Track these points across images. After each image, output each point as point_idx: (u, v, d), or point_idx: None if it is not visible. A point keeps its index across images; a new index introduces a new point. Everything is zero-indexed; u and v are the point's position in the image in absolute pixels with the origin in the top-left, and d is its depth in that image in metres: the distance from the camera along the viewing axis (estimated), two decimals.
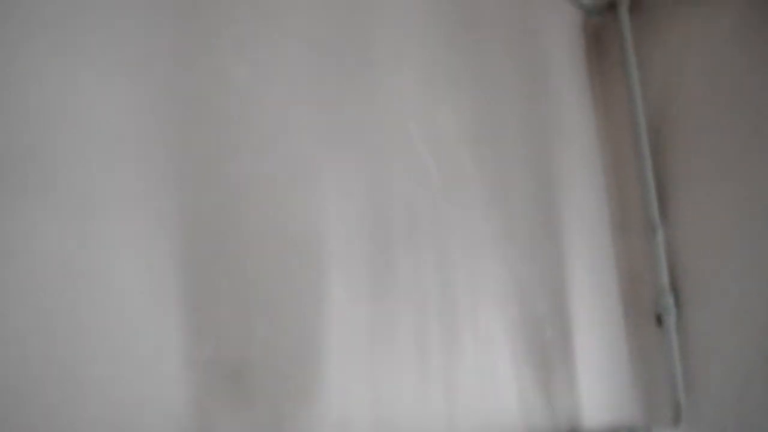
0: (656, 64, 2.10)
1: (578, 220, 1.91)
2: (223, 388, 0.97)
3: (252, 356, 1.02)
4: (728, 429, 1.86)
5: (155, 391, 0.88)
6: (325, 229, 1.15)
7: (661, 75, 2.09)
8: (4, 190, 0.77)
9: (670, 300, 1.96)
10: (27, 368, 0.76)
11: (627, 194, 2.09)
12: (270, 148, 1.10)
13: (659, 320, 1.97)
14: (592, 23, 2.24)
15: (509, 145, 1.70)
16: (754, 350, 1.85)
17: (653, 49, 2.11)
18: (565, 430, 1.69)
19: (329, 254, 1.15)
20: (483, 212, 1.52)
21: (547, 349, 1.69)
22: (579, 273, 1.86)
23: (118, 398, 0.84)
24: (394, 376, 1.26)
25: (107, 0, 0.92)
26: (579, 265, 1.87)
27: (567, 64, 2.08)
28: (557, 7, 2.12)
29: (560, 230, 1.81)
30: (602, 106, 2.18)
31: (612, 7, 2.16)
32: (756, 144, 1.92)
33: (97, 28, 0.91)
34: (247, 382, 1.01)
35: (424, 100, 1.45)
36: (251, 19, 1.13)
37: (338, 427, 1.13)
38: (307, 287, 1.12)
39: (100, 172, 0.87)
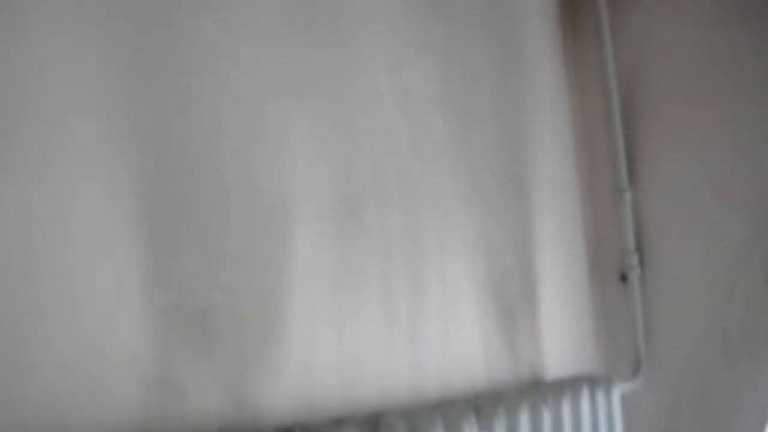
0: (630, 38, 2.11)
1: (547, 181, 1.94)
2: (186, 334, 1.00)
3: (215, 302, 1.05)
4: (684, 382, 1.93)
5: (116, 337, 0.91)
6: (292, 182, 1.17)
7: (634, 48, 2.10)
8: None
9: (635, 258, 2.01)
10: None
11: (596, 161, 2.13)
12: (237, 101, 1.10)
13: (623, 277, 2.02)
14: None
15: (480, 107, 1.70)
16: (713, 309, 1.91)
17: (627, 25, 2.11)
18: (527, 379, 1.75)
19: (295, 207, 1.17)
20: (452, 170, 1.54)
21: (512, 302, 1.73)
22: (546, 231, 1.89)
23: (78, 345, 0.86)
24: (358, 323, 1.30)
25: None
26: (546, 224, 1.90)
27: (541, 34, 2.07)
28: None
29: (529, 191, 1.84)
30: (575, 75, 2.19)
31: None
32: (723, 114, 1.94)
33: None
34: (210, 328, 1.03)
35: (395, 59, 1.45)
36: None
37: (302, 372, 1.17)
38: (273, 237, 1.15)
39: (59, 123, 0.88)
